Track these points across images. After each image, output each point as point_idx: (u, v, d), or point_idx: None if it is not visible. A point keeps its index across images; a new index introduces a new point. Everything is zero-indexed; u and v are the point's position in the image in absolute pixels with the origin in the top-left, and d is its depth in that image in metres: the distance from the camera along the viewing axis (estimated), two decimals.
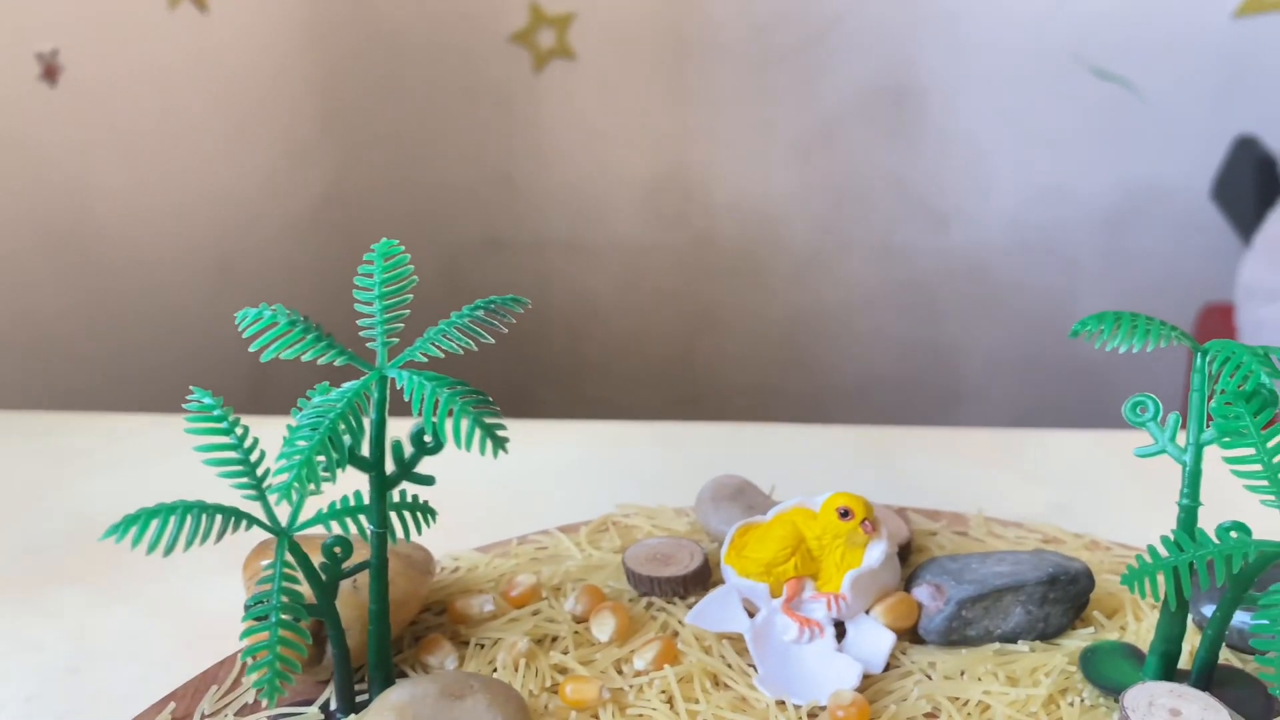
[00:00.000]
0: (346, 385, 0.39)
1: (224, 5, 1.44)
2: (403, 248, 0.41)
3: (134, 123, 1.30)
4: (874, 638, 0.45)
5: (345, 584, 0.43)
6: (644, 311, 1.87)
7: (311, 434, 0.37)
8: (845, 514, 0.46)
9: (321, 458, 0.36)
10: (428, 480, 0.41)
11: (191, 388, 0.40)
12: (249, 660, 0.38)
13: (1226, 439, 0.38)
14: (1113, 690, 0.42)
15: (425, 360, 0.39)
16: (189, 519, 0.36)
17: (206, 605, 0.55)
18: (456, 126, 1.79)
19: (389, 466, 0.40)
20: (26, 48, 1.14)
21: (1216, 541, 0.38)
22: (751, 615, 0.46)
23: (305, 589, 0.39)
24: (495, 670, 0.45)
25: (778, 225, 1.80)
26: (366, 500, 0.40)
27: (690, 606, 0.47)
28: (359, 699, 0.42)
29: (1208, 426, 0.39)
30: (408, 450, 0.40)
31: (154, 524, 0.35)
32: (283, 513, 0.38)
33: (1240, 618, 0.43)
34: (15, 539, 0.62)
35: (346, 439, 0.38)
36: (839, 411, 1.85)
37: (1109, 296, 1.73)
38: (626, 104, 1.76)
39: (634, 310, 1.87)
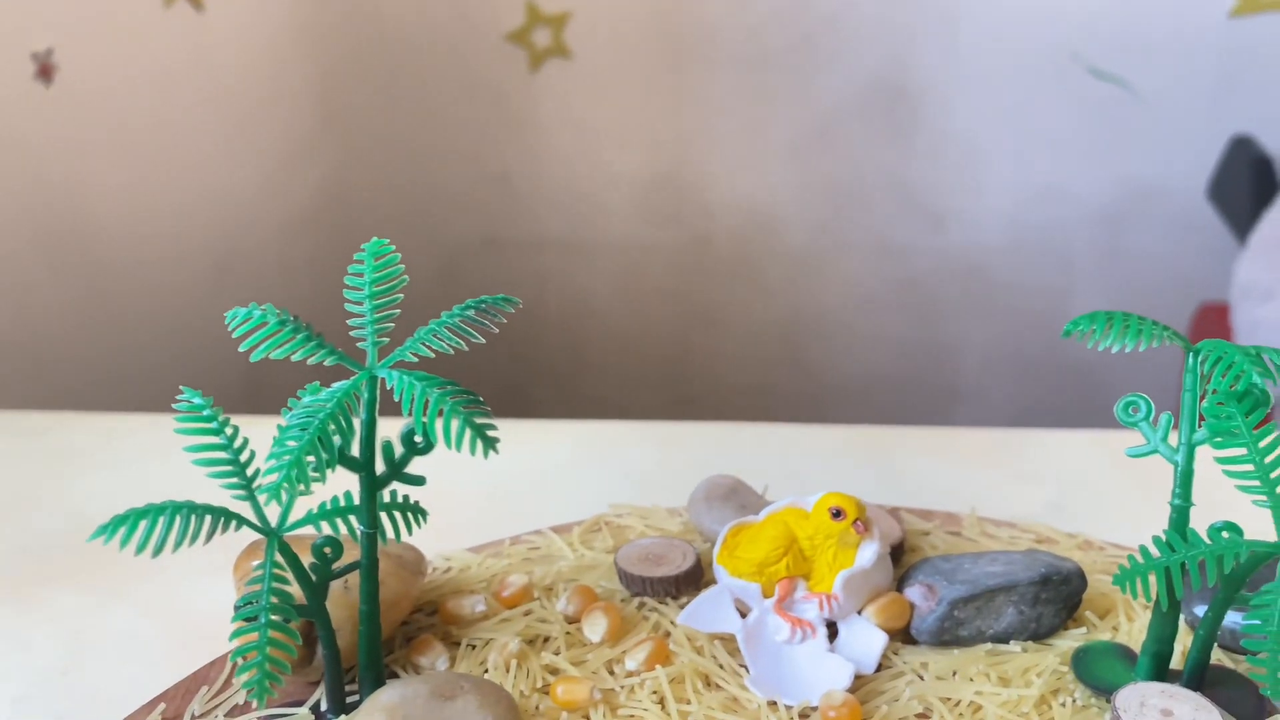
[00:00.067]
0: (336, 385, 0.38)
1: (220, 4, 1.44)
2: (393, 247, 0.41)
3: (130, 122, 1.30)
4: (866, 638, 0.45)
5: (336, 584, 0.42)
6: (641, 311, 1.87)
7: (301, 434, 0.37)
8: (837, 514, 0.46)
9: (311, 458, 0.36)
10: (418, 480, 0.40)
11: (181, 387, 0.40)
12: (239, 661, 0.38)
13: (1218, 439, 0.38)
14: (1105, 691, 0.41)
15: (415, 360, 0.39)
16: (178, 519, 0.36)
17: (198, 606, 0.55)
18: (453, 126, 1.79)
19: (379, 467, 0.40)
20: (21, 47, 1.13)
21: (1208, 542, 0.38)
22: (744, 615, 0.46)
23: (296, 589, 0.39)
24: (486, 671, 0.44)
25: (775, 225, 1.80)
26: (357, 501, 0.40)
27: (682, 607, 0.47)
28: (349, 700, 0.42)
29: (1200, 426, 0.39)
30: (398, 450, 0.40)
31: (143, 524, 0.35)
32: (273, 513, 0.38)
33: (1232, 618, 0.43)
34: (10, 539, 0.62)
35: (336, 439, 0.38)
36: (836, 411, 1.85)
37: (1105, 296, 1.73)
38: (623, 103, 1.76)
39: (631, 310, 1.87)
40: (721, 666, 0.44)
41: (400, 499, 0.41)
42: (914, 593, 0.46)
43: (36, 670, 0.51)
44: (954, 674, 0.44)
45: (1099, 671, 0.43)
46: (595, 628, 0.46)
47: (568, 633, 0.47)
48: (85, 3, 1.21)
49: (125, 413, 0.79)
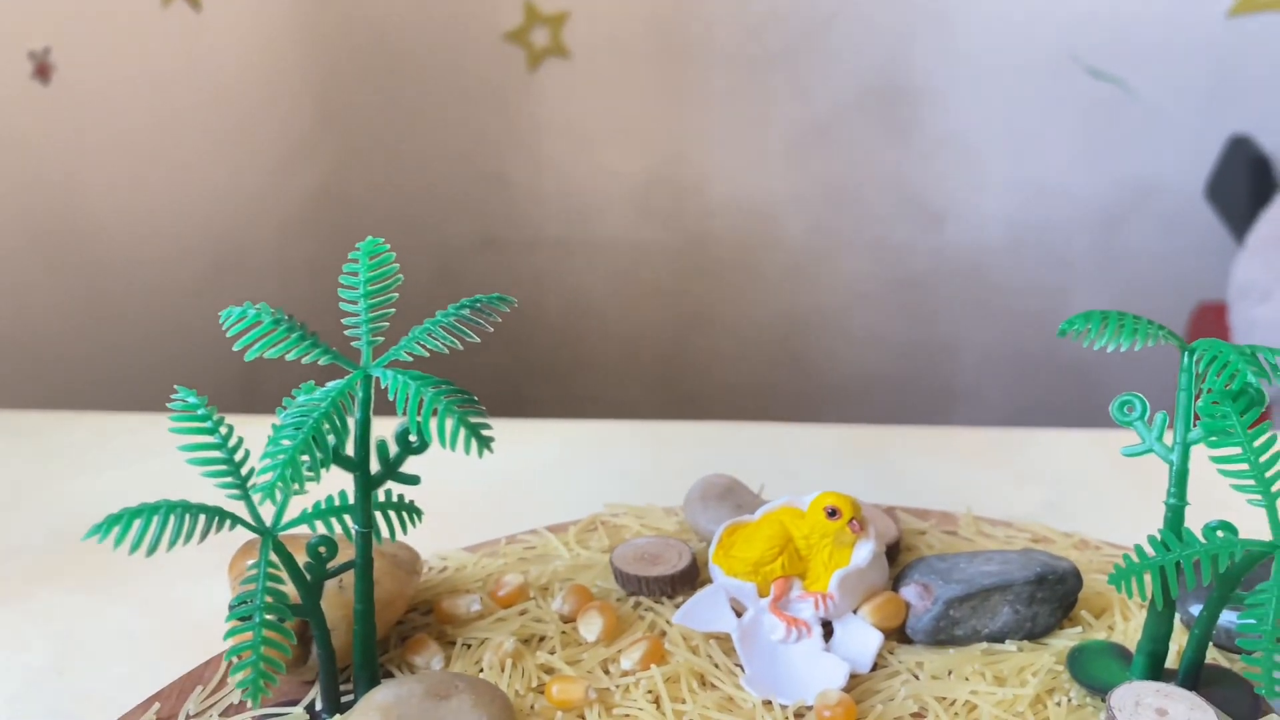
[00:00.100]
0: (331, 384, 0.38)
1: (218, 4, 1.44)
2: (387, 246, 0.40)
3: (127, 121, 1.30)
4: (861, 637, 0.45)
5: (331, 584, 0.42)
6: (639, 311, 1.87)
7: (295, 433, 0.36)
8: (833, 513, 0.45)
9: (305, 457, 0.36)
10: (413, 480, 0.40)
11: (176, 386, 0.40)
12: (233, 660, 0.38)
13: (1213, 438, 0.38)
14: (1100, 690, 0.41)
15: (410, 359, 0.39)
16: (172, 519, 0.36)
17: (194, 605, 0.55)
18: (451, 125, 1.79)
19: (374, 466, 0.40)
20: (19, 46, 1.13)
21: (1203, 541, 0.38)
22: (739, 615, 0.46)
23: (291, 589, 0.39)
24: (481, 670, 0.44)
25: (772, 224, 1.80)
26: (352, 500, 0.40)
27: (678, 606, 0.47)
28: (344, 699, 0.42)
29: (1195, 425, 0.39)
30: (393, 450, 0.40)
31: (137, 524, 0.35)
32: (267, 513, 0.38)
33: (1227, 617, 0.43)
34: (5, 538, 0.62)
35: (331, 438, 0.37)
36: (834, 410, 1.85)
37: (1103, 296, 1.73)
38: (621, 103, 1.76)
39: (628, 309, 1.87)
40: (717, 666, 0.44)
41: (395, 498, 0.41)
42: (909, 592, 0.46)
43: (31, 669, 0.51)
44: (949, 673, 0.44)
45: (1094, 671, 0.43)
46: (590, 627, 0.46)
47: (563, 632, 0.47)
48: (83, 2, 1.21)
49: (122, 412, 0.79)
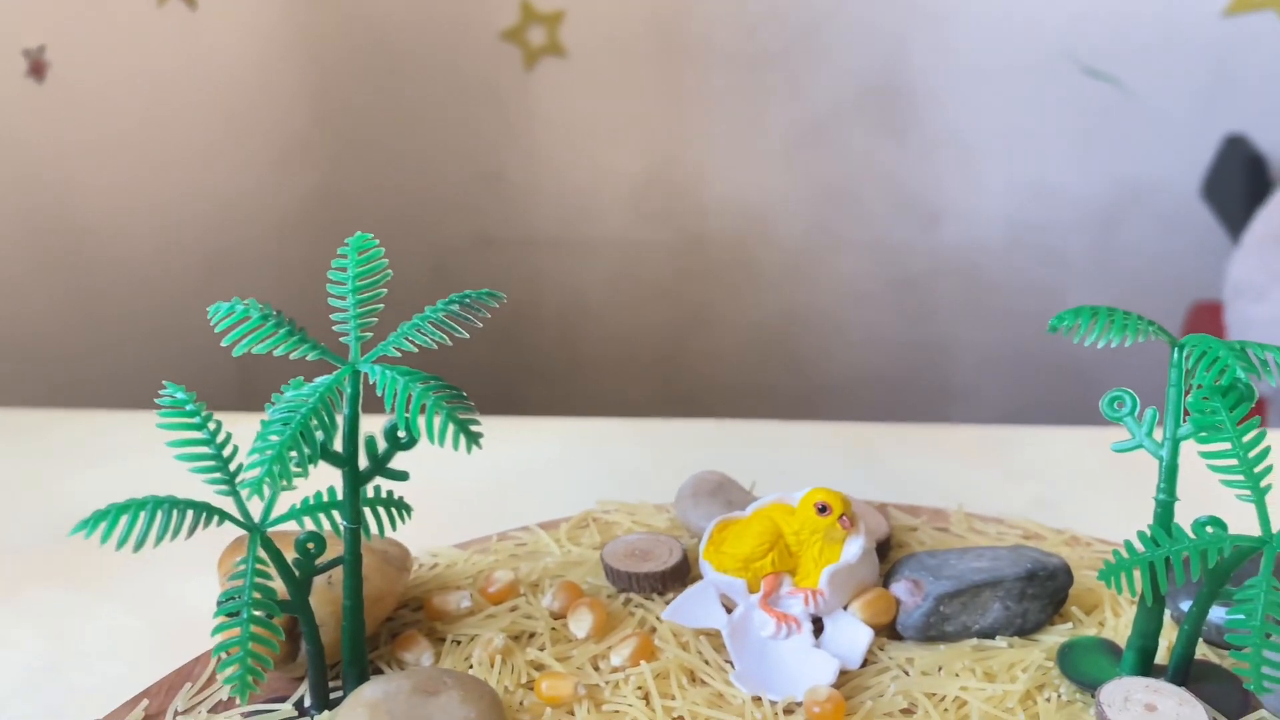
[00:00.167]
0: (319, 380, 0.38)
1: (214, 2, 1.44)
2: (376, 241, 0.40)
3: (122, 120, 1.30)
4: (851, 633, 0.45)
5: (320, 580, 0.42)
6: (634, 309, 1.87)
7: (283, 429, 0.36)
8: (823, 509, 0.45)
9: (293, 453, 0.36)
10: (401, 476, 0.40)
11: (165, 382, 0.40)
12: (221, 656, 0.38)
13: (1203, 434, 0.38)
14: (1090, 686, 0.41)
15: (399, 355, 0.39)
16: (159, 514, 0.36)
17: (184, 602, 0.55)
18: (447, 124, 1.79)
19: (362, 462, 0.40)
20: (13, 44, 1.13)
21: (1193, 536, 0.38)
22: (729, 611, 0.46)
23: (279, 585, 0.39)
24: (471, 667, 0.44)
25: (769, 223, 1.80)
26: (340, 496, 0.40)
27: (668, 602, 0.47)
28: (333, 696, 0.42)
29: (1184, 421, 0.39)
30: (381, 445, 0.40)
31: (123, 519, 0.35)
32: (256, 508, 0.38)
33: (1217, 613, 0.43)
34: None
35: (319, 434, 0.37)
36: (830, 409, 1.85)
37: (1099, 294, 1.73)
38: (618, 102, 1.76)
39: (625, 308, 1.87)
40: (707, 662, 0.44)
41: (384, 494, 0.41)
42: (900, 588, 0.46)
43: (22, 667, 0.50)
44: (939, 669, 0.44)
45: (1084, 667, 0.43)
46: (581, 623, 0.46)
47: (553, 629, 0.47)
48: (78, 0, 1.21)
49: (115, 410, 0.79)
